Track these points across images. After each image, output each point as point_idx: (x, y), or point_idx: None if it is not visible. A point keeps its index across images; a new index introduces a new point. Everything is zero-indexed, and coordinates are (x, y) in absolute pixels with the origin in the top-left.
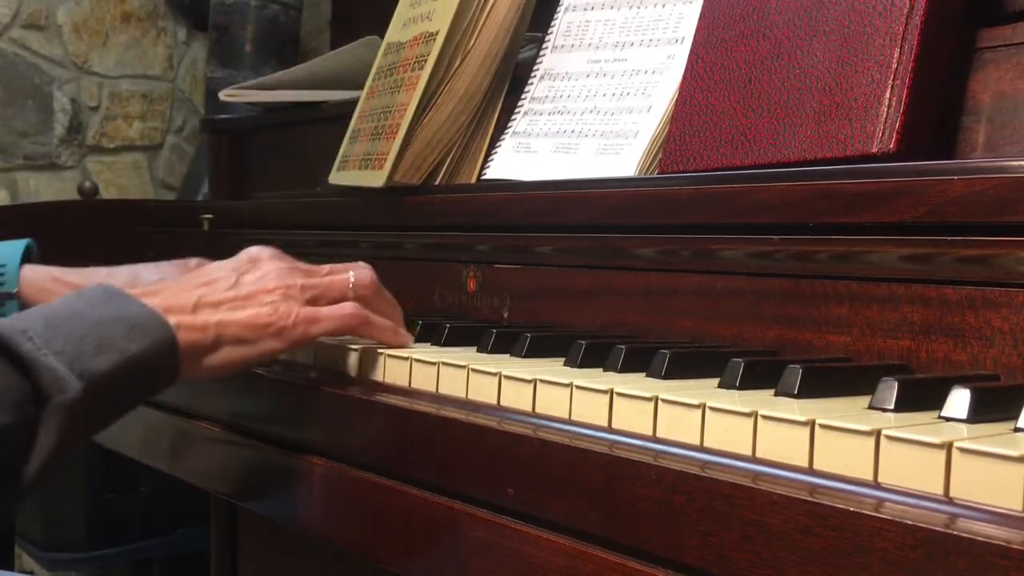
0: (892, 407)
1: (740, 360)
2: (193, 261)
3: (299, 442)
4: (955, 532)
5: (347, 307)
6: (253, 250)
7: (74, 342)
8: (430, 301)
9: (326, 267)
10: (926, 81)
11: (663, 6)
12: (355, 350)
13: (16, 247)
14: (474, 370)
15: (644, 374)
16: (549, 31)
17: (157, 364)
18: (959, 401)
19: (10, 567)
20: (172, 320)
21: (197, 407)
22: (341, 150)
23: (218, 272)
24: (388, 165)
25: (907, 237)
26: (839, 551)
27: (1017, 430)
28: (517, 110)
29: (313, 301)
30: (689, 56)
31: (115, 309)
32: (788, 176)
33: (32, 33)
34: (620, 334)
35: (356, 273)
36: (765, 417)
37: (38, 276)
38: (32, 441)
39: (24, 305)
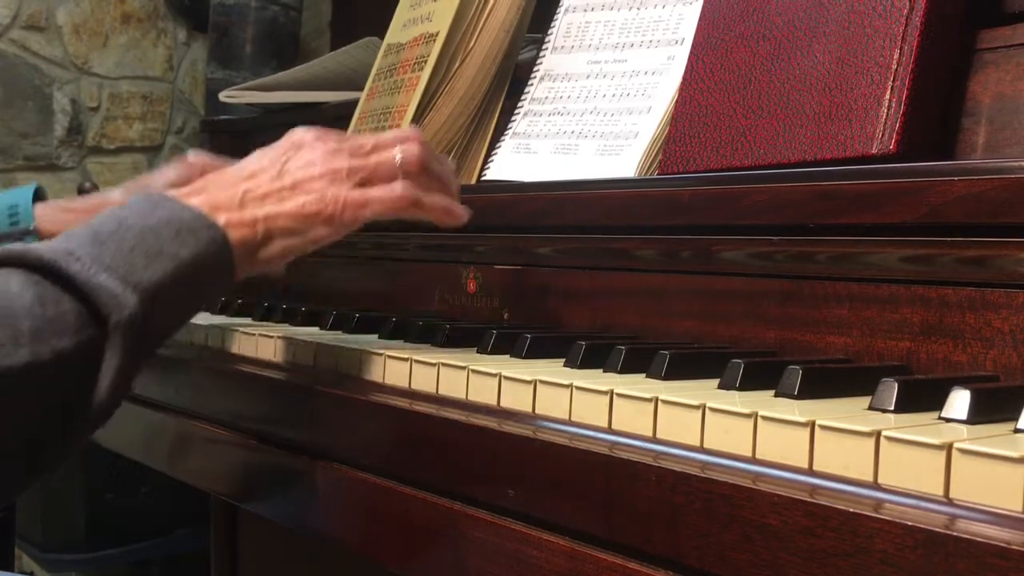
0: (892, 408)
1: (740, 361)
2: (191, 156)
3: (299, 443)
4: (955, 533)
5: (396, 187)
6: (297, 133)
7: (124, 255)
8: (430, 302)
9: (371, 141)
10: (926, 82)
11: (663, 7)
12: (355, 350)
13: (26, 190)
14: (474, 371)
15: (644, 375)
16: (549, 32)
17: (211, 265)
18: (959, 402)
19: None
20: (221, 218)
21: (197, 407)
22: None
23: (261, 162)
24: None
25: (907, 238)
26: (839, 552)
27: (1017, 431)
28: (517, 111)
29: (361, 183)
30: (689, 57)
31: (161, 215)
32: (788, 177)
33: (32, 34)
34: (620, 335)
35: (404, 148)
36: (765, 418)
37: (51, 209)
38: (98, 364)
39: (43, 238)
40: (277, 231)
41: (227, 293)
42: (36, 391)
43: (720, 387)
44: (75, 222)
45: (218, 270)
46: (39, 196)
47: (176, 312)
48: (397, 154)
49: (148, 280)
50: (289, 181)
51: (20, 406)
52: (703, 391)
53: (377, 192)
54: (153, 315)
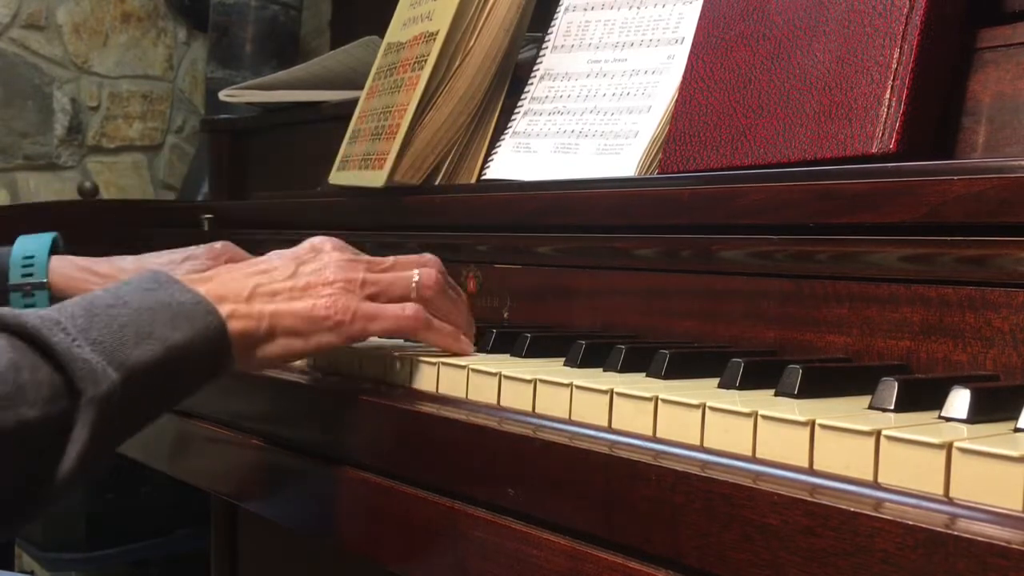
0: (892, 407)
1: (740, 360)
2: (219, 244)
3: (298, 442)
4: (955, 532)
5: (408, 308)
6: (316, 240)
7: (113, 331)
8: None
9: (390, 260)
10: (926, 81)
11: (663, 6)
12: (355, 351)
13: (44, 239)
14: (474, 370)
15: (644, 374)
16: (549, 31)
17: (203, 353)
18: (959, 401)
19: (10, 567)
20: (225, 308)
21: (197, 407)
22: (341, 150)
23: (277, 261)
24: (388, 165)
25: (907, 237)
26: (839, 551)
27: (1017, 430)
28: (517, 110)
29: (374, 297)
30: (689, 56)
31: (161, 297)
32: (788, 176)
33: (32, 33)
34: (620, 334)
35: (422, 271)
36: (765, 417)
37: (66, 265)
38: (66, 438)
39: (53, 294)
40: (281, 329)
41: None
42: None
43: (720, 386)
44: (88, 282)
45: (211, 359)
46: (55, 247)
47: (159, 397)
48: (415, 275)
49: (134, 360)
50: (302, 282)
51: None
52: (703, 390)
53: (389, 309)
54: (133, 396)
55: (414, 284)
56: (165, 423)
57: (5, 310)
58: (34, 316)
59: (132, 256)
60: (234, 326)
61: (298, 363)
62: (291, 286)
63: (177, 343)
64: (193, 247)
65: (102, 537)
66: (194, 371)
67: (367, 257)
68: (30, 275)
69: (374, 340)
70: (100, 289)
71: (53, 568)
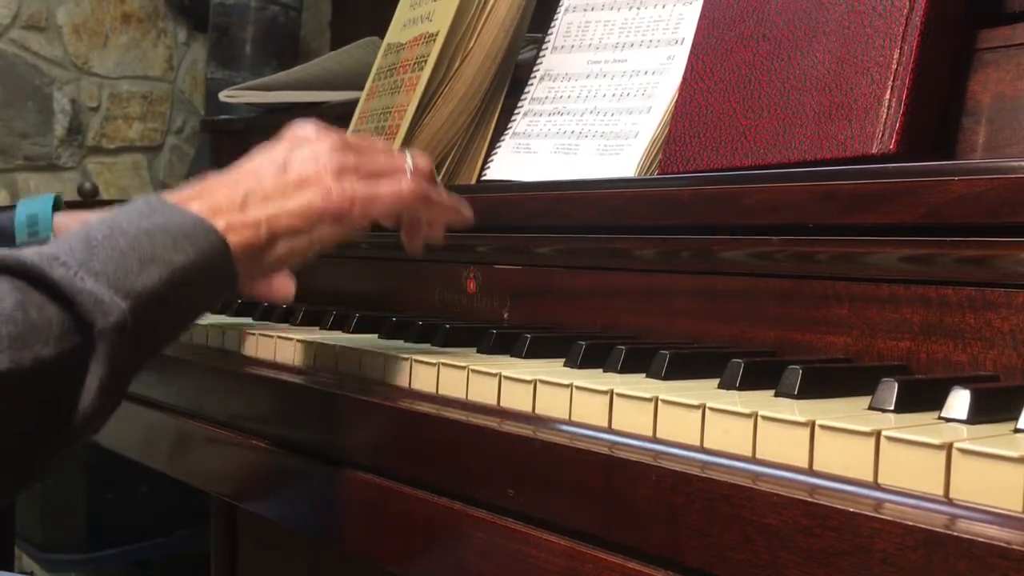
0: (892, 408)
1: (740, 361)
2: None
3: (298, 442)
4: (955, 533)
5: (405, 182)
6: (298, 127)
7: (115, 260)
8: (430, 302)
9: (380, 143)
10: (926, 82)
11: (663, 7)
12: (355, 351)
13: (46, 199)
14: (474, 371)
15: (644, 375)
16: (549, 32)
17: (209, 272)
18: (959, 402)
19: (10, 567)
20: (221, 222)
21: (197, 407)
22: None
23: (264, 160)
24: None
25: (907, 238)
26: (839, 551)
27: (1017, 431)
28: (517, 111)
29: (367, 175)
30: (689, 57)
31: (158, 220)
32: (788, 177)
33: (32, 34)
34: (620, 335)
35: (414, 156)
36: (765, 418)
37: (70, 220)
38: (82, 374)
39: None
40: (282, 231)
41: (230, 298)
42: (17, 399)
43: (720, 387)
44: None
45: (217, 276)
46: (57, 205)
47: (172, 320)
48: (407, 155)
49: (140, 286)
50: (293, 177)
51: (1, 412)
52: (703, 391)
53: (387, 187)
54: (145, 322)
55: (408, 163)
56: (164, 423)
57: (2, 251)
58: (33, 253)
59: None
60: (233, 239)
61: (298, 363)
62: (283, 183)
63: (181, 265)
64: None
65: (102, 537)
66: (201, 290)
67: (353, 138)
68: (35, 233)
69: (375, 341)
70: (95, 220)
71: (53, 568)
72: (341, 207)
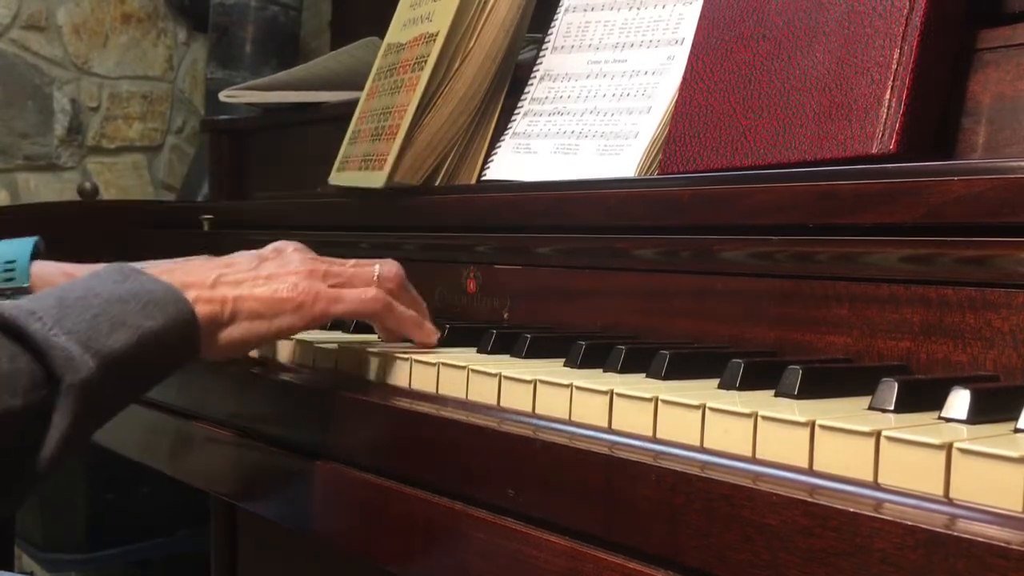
0: (892, 408)
1: (740, 361)
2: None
3: (298, 443)
4: (955, 533)
5: (370, 291)
6: (278, 243)
7: (87, 321)
8: (430, 302)
9: (351, 260)
10: (926, 82)
11: (663, 7)
12: (355, 351)
13: (25, 244)
14: (474, 371)
15: (644, 375)
16: (549, 32)
17: (174, 339)
18: (959, 402)
19: (10, 567)
20: (191, 294)
21: (197, 407)
22: (341, 151)
23: (240, 257)
24: (388, 166)
25: (907, 238)
26: (839, 552)
27: (1017, 431)
28: (517, 111)
29: (336, 285)
30: (689, 57)
31: (130, 287)
32: (788, 177)
33: (32, 34)
34: (620, 335)
35: (382, 266)
36: (765, 418)
37: (48, 271)
38: (46, 425)
39: None
40: (244, 313)
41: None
42: None
43: (720, 387)
44: None
45: (181, 345)
46: (36, 251)
47: (133, 383)
48: (376, 267)
49: (108, 348)
50: (265, 272)
51: None
52: (703, 391)
53: (350, 291)
54: (109, 383)
55: (376, 277)
56: (164, 423)
57: None
58: (10, 306)
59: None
60: (200, 310)
61: (299, 363)
62: (254, 275)
63: (151, 330)
64: (172, 260)
65: (102, 537)
66: (166, 357)
67: (329, 259)
68: (11, 279)
69: (374, 341)
70: (70, 282)
71: (53, 568)
72: (304, 299)
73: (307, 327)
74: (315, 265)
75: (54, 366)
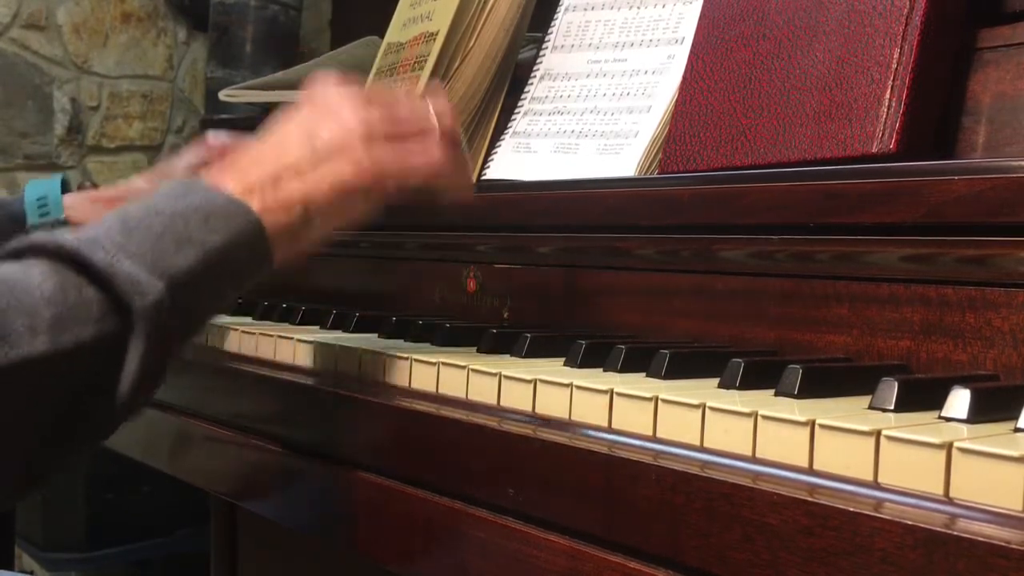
0: (892, 407)
1: (740, 360)
2: (210, 135)
3: (298, 442)
4: (955, 532)
5: (436, 153)
6: (319, 91)
7: (151, 242)
8: (430, 301)
9: (402, 95)
10: (926, 81)
11: (663, 6)
12: (355, 350)
13: (53, 180)
14: (474, 370)
15: (644, 374)
16: (549, 31)
17: (244, 252)
18: (959, 401)
19: (10, 567)
20: (255, 202)
21: (197, 407)
22: None
23: (292, 130)
24: None
25: (907, 237)
26: (839, 551)
27: (1017, 430)
28: (517, 110)
29: (395, 138)
30: (689, 56)
31: (192, 201)
32: (788, 176)
33: (32, 33)
34: (620, 334)
35: (435, 104)
36: (765, 417)
37: (79, 199)
38: (122, 354)
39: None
40: (315, 211)
41: (265, 277)
42: (59, 380)
43: (720, 386)
44: (103, 211)
45: (252, 256)
46: (65, 186)
47: (208, 300)
48: (428, 105)
49: (176, 267)
50: (323, 147)
51: (42, 395)
52: (703, 390)
53: (419, 157)
54: (182, 303)
55: (432, 112)
56: (164, 422)
57: (41, 235)
58: (70, 238)
59: (138, 176)
60: (268, 219)
61: (298, 362)
62: (313, 156)
63: (216, 245)
64: (186, 150)
65: (102, 537)
66: (236, 270)
67: (375, 92)
68: (46, 213)
69: (375, 340)
70: (130, 203)
71: (53, 568)
72: (375, 180)
73: (381, 204)
74: (370, 118)
75: (121, 293)
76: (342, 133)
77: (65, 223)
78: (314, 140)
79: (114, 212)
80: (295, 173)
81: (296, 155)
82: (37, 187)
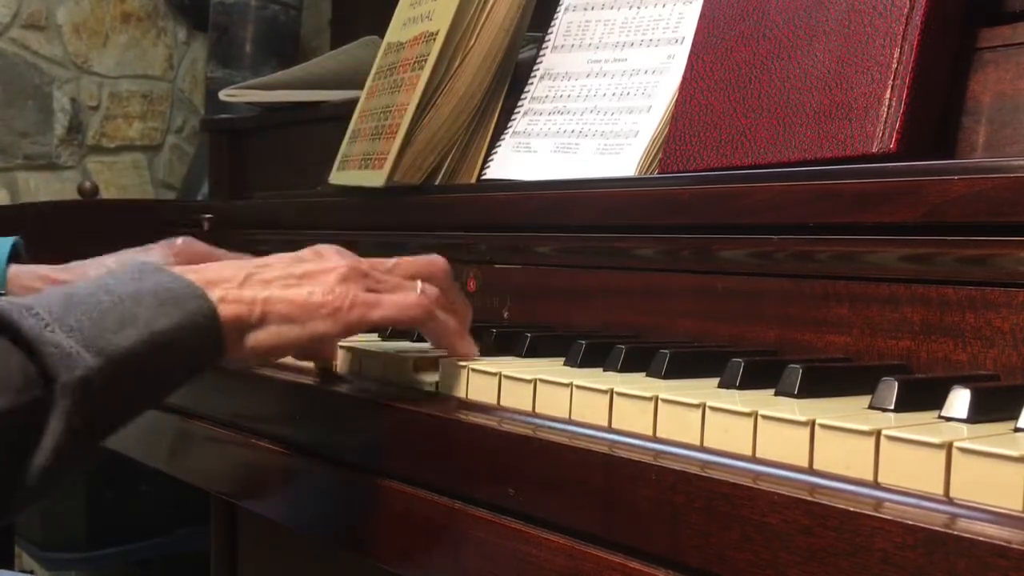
0: (892, 407)
1: (740, 360)
2: (179, 240)
3: (298, 442)
4: (955, 532)
5: (411, 296)
6: (318, 246)
7: (93, 318)
8: None
9: (391, 261)
10: (926, 81)
11: (663, 6)
12: (355, 350)
13: (3, 245)
14: (474, 370)
15: (644, 374)
16: (549, 31)
17: (192, 339)
18: (959, 401)
19: (10, 567)
20: (215, 293)
21: (197, 407)
22: (341, 150)
23: (275, 256)
24: (388, 165)
25: (907, 237)
26: (839, 551)
27: (1017, 430)
28: (517, 110)
29: (375, 289)
30: (689, 56)
31: (147, 284)
32: (788, 176)
33: (32, 33)
34: (620, 334)
35: (426, 265)
36: (765, 417)
37: (25, 274)
38: (40, 429)
39: None
40: (275, 316)
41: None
42: None
43: (720, 386)
44: (44, 290)
45: (202, 344)
46: (16, 252)
47: (148, 384)
48: (418, 266)
49: (115, 346)
50: (299, 271)
51: None
52: (703, 390)
53: (390, 296)
54: (116, 384)
55: (419, 279)
56: (164, 422)
57: None
58: (5, 303)
59: (92, 259)
60: (225, 311)
61: (298, 362)
62: (287, 274)
63: (163, 328)
64: (151, 244)
65: (102, 537)
66: (182, 359)
67: (370, 259)
68: None
69: (374, 341)
70: (84, 281)
71: (53, 568)
72: (340, 304)
73: (343, 335)
74: (354, 264)
75: (49, 364)
76: (324, 266)
77: (4, 295)
78: (293, 266)
79: (61, 287)
80: (263, 281)
81: (272, 270)
82: None
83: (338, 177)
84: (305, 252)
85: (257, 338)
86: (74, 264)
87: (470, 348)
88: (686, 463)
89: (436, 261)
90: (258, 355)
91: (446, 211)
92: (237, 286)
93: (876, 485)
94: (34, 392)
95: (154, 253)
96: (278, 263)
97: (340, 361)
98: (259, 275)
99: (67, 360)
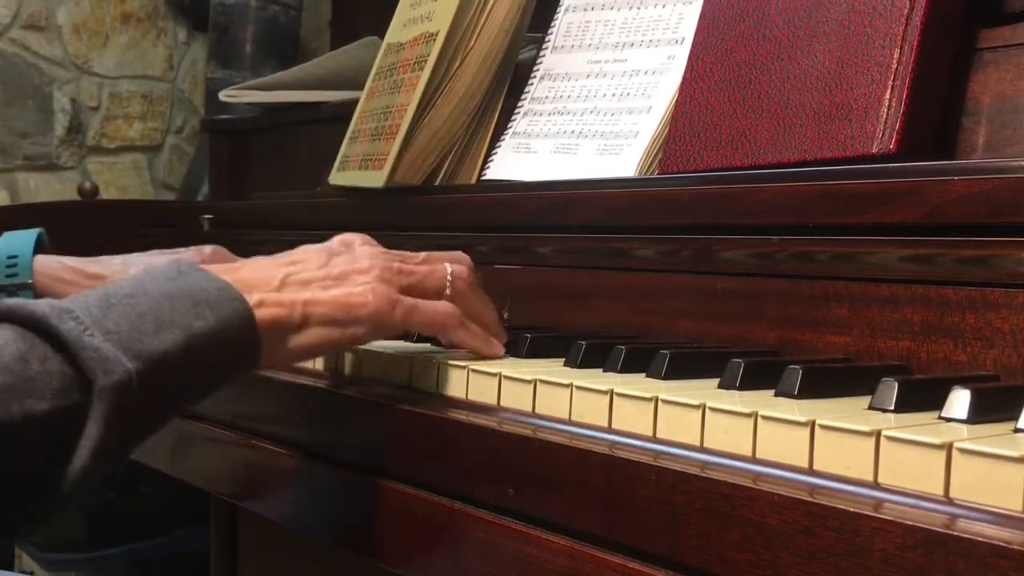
0: (892, 408)
1: (740, 360)
2: (208, 248)
3: (298, 442)
4: (955, 532)
5: (445, 307)
6: (345, 235)
7: (130, 320)
8: None
9: (422, 255)
10: (926, 81)
11: (663, 7)
12: (352, 350)
13: (28, 237)
14: (474, 371)
15: (644, 374)
16: (549, 31)
17: (228, 342)
18: (959, 401)
19: (10, 567)
20: (254, 296)
21: (197, 407)
22: (341, 150)
23: (307, 253)
24: (388, 165)
25: (907, 238)
26: (839, 551)
27: (1017, 430)
28: (517, 110)
29: (408, 289)
30: (689, 57)
31: (183, 284)
32: (788, 176)
33: (32, 33)
34: (620, 334)
35: (454, 267)
36: (765, 417)
37: (52, 266)
38: (78, 433)
39: (39, 295)
40: (316, 319)
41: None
42: (2, 452)
43: (720, 387)
44: (77, 283)
45: (238, 348)
46: (41, 243)
47: (185, 387)
48: (448, 268)
49: (152, 348)
50: (336, 271)
51: None
52: (703, 391)
53: (426, 304)
54: (153, 387)
55: (449, 278)
56: None
57: (14, 300)
58: (44, 305)
59: (120, 256)
60: (263, 314)
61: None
62: (325, 274)
63: (200, 331)
64: (182, 248)
65: (102, 537)
66: (219, 362)
67: (398, 252)
68: (14, 275)
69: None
70: (123, 279)
71: (53, 568)
72: (381, 306)
73: (381, 337)
74: (387, 263)
75: (87, 368)
76: (360, 264)
77: (31, 287)
78: (330, 262)
79: (99, 288)
80: (302, 282)
81: (308, 269)
82: (10, 243)
83: (338, 178)
84: (334, 244)
85: (297, 341)
86: (104, 258)
87: (497, 349)
88: (686, 463)
89: (463, 258)
90: (298, 357)
91: (446, 212)
92: (276, 288)
93: (876, 486)
94: (73, 397)
95: (184, 254)
96: (311, 260)
97: (344, 362)
98: (296, 275)
99: (104, 364)
